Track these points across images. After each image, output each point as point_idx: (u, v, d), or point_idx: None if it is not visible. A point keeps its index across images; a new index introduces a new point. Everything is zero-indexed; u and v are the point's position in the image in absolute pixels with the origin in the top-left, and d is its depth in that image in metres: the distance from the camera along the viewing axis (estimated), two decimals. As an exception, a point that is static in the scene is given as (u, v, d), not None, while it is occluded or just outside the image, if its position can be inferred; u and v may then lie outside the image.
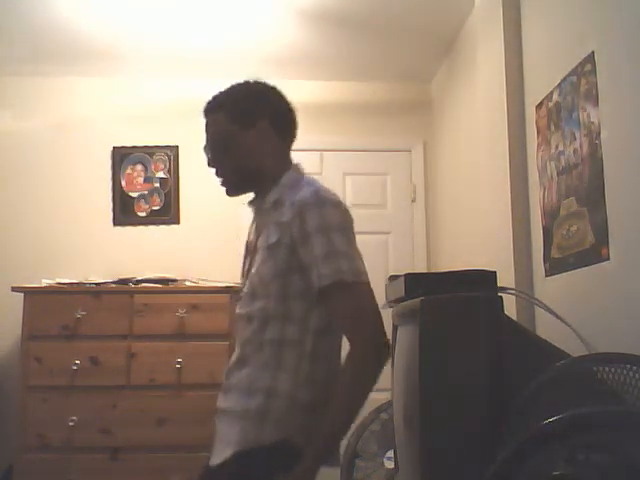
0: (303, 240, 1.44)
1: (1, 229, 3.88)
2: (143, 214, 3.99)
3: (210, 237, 3.92)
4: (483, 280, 1.68)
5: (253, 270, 1.54)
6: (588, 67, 2.03)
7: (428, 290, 1.61)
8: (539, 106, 2.42)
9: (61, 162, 3.97)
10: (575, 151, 2.12)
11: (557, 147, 2.26)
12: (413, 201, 4.15)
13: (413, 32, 3.55)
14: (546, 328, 2.25)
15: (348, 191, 4.04)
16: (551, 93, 2.31)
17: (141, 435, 3.21)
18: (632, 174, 1.79)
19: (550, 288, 2.32)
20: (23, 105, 4.00)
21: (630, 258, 1.80)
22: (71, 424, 3.19)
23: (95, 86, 4.04)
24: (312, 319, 1.48)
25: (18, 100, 3.99)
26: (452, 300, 1.54)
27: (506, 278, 2.39)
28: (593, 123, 1.99)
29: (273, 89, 1.64)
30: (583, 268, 2.06)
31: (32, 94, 4.00)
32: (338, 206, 1.51)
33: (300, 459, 1.38)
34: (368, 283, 1.47)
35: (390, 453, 2.50)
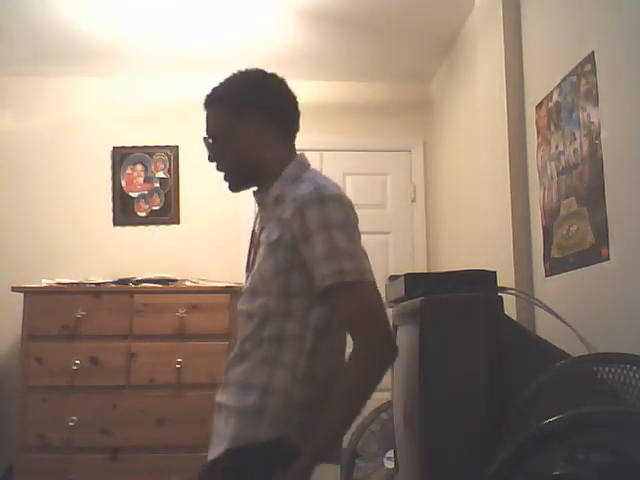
0: (304, 238, 1.42)
1: (1, 229, 3.88)
2: (143, 214, 3.99)
3: (210, 237, 3.93)
4: (483, 280, 1.68)
5: (255, 266, 1.53)
6: (588, 67, 2.02)
7: (428, 290, 1.62)
8: (539, 106, 2.42)
9: (61, 162, 3.97)
10: (575, 151, 2.12)
11: (557, 147, 2.26)
12: (413, 201, 4.15)
13: (413, 32, 3.55)
14: (546, 328, 2.25)
15: (348, 191, 4.03)
16: (551, 93, 2.31)
17: (141, 435, 3.21)
18: (632, 174, 1.79)
19: (550, 288, 2.32)
20: (23, 105, 4.00)
21: (630, 258, 1.80)
22: (71, 424, 3.19)
23: (95, 86, 4.04)
24: (313, 316, 1.46)
25: (18, 100, 3.99)
26: (452, 300, 1.55)
27: (506, 278, 2.39)
28: (593, 123, 1.99)
29: (273, 77, 1.60)
30: (583, 268, 2.06)
31: (32, 94, 4.00)
32: (340, 202, 1.48)
33: (297, 457, 1.37)
34: (372, 281, 1.42)
35: (390, 453, 2.50)
